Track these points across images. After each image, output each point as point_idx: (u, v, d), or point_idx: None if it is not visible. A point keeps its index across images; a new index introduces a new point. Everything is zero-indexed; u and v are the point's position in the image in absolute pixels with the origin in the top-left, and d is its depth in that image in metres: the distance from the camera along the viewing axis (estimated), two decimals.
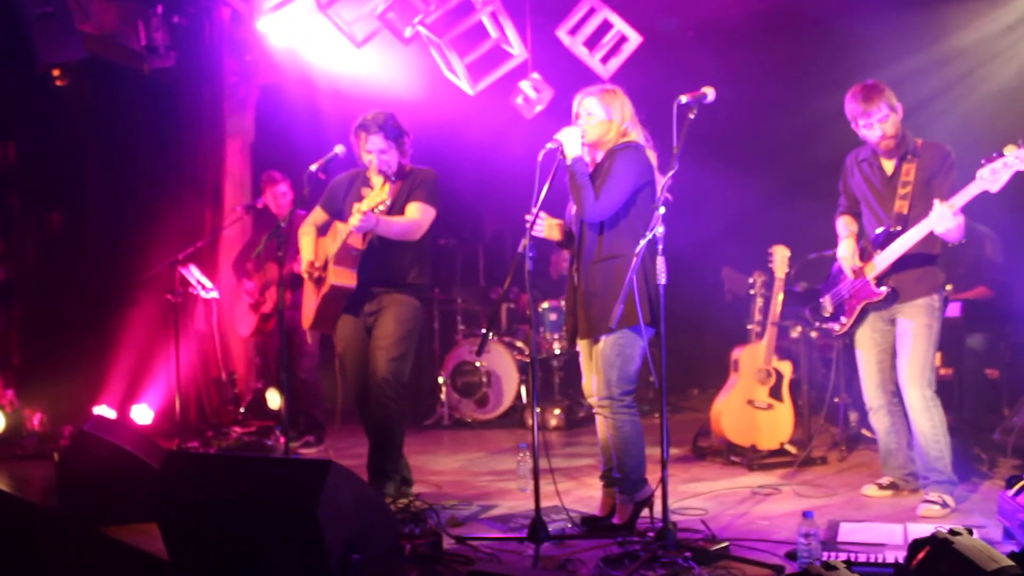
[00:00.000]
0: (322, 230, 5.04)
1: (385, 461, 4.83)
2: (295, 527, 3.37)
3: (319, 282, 4.85)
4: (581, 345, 4.35)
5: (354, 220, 4.46)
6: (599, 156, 4.24)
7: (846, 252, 4.68)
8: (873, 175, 4.63)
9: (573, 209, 4.26)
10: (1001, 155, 4.05)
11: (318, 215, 5.05)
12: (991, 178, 4.06)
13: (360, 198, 4.67)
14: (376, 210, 4.43)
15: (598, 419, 4.31)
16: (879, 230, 4.52)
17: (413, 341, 4.86)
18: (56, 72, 7.45)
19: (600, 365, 4.17)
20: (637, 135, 4.24)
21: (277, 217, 6.60)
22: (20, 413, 6.97)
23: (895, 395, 4.66)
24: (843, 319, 4.75)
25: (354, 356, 4.91)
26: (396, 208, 4.74)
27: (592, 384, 4.27)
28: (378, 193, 4.36)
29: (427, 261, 4.92)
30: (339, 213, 4.91)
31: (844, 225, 4.80)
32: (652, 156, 4.21)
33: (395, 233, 4.65)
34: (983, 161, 4.10)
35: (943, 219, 4.16)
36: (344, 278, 4.71)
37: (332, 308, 4.85)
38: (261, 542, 3.47)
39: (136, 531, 4.23)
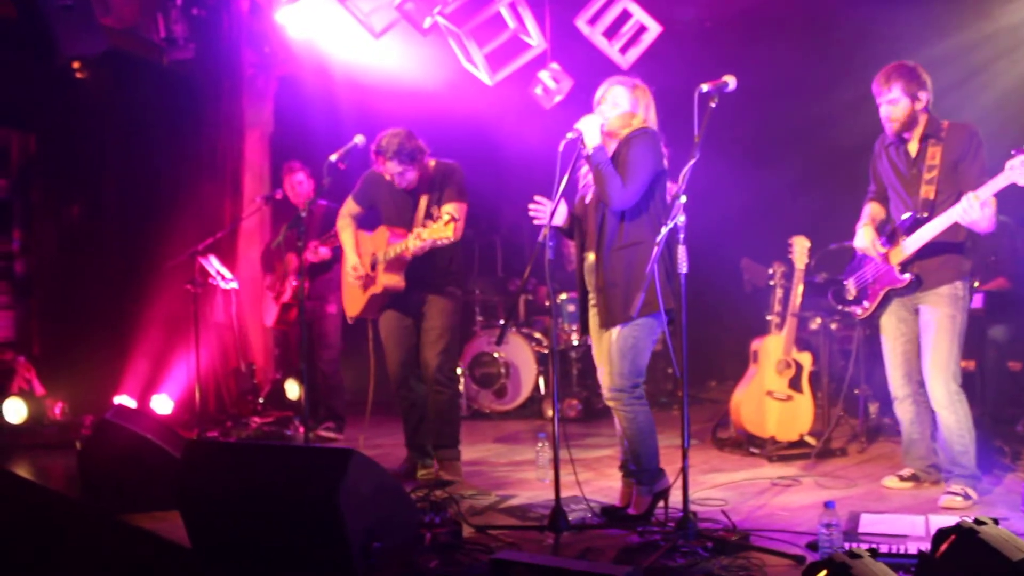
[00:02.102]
0: (358, 219, 5.30)
1: (442, 436, 5.23)
2: (316, 515, 3.39)
3: (367, 283, 5.16)
4: (593, 336, 4.31)
5: (413, 243, 4.80)
6: (613, 146, 4.18)
7: (865, 242, 4.62)
8: (899, 159, 4.55)
9: (588, 197, 4.21)
10: None
11: (352, 207, 5.30)
12: (1022, 170, 3.93)
13: (401, 204, 5.10)
14: (438, 243, 4.71)
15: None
16: (905, 215, 4.45)
17: (458, 328, 5.28)
18: (76, 65, 7.49)
19: (611, 356, 4.11)
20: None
21: (296, 207, 6.63)
22: (42, 402, 7.03)
23: (921, 385, 4.59)
24: (866, 303, 4.71)
25: (397, 344, 5.25)
26: (430, 214, 5.00)
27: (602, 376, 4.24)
28: (443, 229, 4.64)
29: (459, 246, 5.17)
30: (372, 206, 5.27)
31: (867, 212, 4.73)
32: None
33: (443, 243, 4.83)
34: (1013, 152, 3.97)
35: (970, 210, 4.06)
36: (395, 280, 5.10)
37: (380, 302, 5.22)
38: (282, 530, 3.49)
39: (157, 519, 4.26)
